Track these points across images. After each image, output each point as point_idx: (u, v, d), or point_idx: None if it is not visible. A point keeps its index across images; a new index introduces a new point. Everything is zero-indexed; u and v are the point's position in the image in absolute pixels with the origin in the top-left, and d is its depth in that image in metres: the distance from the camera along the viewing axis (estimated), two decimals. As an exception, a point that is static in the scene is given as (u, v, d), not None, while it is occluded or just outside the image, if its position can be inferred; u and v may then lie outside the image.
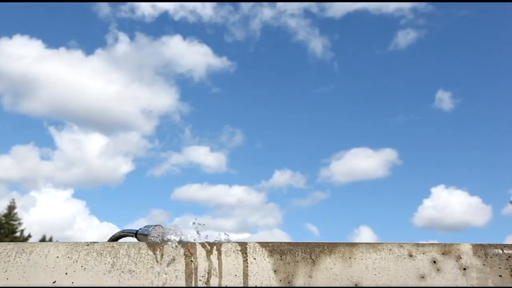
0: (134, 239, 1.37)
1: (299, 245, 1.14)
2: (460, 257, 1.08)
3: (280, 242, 1.16)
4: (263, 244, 1.15)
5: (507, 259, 1.07)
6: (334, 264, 1.10)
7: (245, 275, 1.11)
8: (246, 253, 1.13)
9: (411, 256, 1.09)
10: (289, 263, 1.11)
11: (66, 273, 1.17)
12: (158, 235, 1.27)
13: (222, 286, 1.11)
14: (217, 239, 1.20)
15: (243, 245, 1.15)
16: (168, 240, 1.22)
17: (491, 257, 1.08)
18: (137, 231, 1.40)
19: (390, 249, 1.11)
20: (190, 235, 1.24)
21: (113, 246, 1.19)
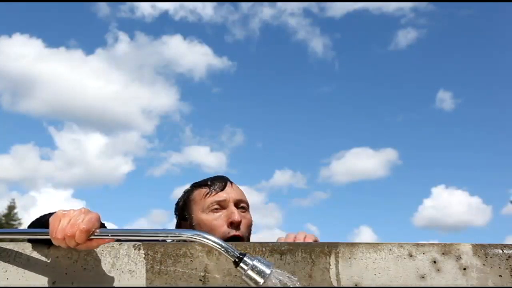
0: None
1: (299, 245, 1.14)
2: (460, 257, 1.08)
3: (280, 242, 1.16)
4: (263, 244, 1.15)
5: (507, 259, 1.07)
6: (334, 264, 1.09)
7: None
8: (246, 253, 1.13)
9: (411, 256, 1.09)
10: (289, 263, 1.11)
11: (66, 273, 1.17)
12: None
13: (222, 286, 1.11)
14: None
15: (243, 245, 1.15)
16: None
17: (491, 257, 1.08)
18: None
19: (390, 249, 1.11)
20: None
21: (113, 246, 1.19)
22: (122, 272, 1.15)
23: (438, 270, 1.07)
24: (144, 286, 1.13)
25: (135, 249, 1.18)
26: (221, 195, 1.61)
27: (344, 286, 1.08)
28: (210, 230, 1.51)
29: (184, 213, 1.67)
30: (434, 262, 1.08)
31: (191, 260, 1.14)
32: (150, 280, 1.13)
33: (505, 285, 1.05)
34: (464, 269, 1.07)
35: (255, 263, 1.02)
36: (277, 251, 1.12)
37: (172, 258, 1.15)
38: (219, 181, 1.66)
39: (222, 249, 1.04)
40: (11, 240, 1.23)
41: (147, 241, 1.15)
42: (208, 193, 1.62)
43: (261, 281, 1.00)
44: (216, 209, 1.58)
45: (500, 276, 1.06)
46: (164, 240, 1.19)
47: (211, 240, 1.04)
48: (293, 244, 1.15)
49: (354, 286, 1.07)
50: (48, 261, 1.19)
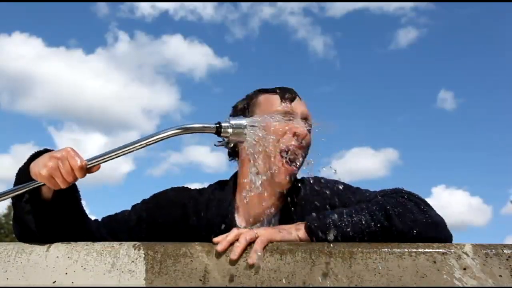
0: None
1: (299, 245, 1.14)
2: (460, 257, 1.08)
3: (280, 242, 1.16)
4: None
5: (507, 259, 1.07)
6: (334, 264, 1.09)
7: (245, 275, 1.11)
8: (246, 253, 1.13)
9: (411, 256, 1.09)
10: (289, 263, 1.11)
11: (66, 273, 1.17)
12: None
13: (222, 286, 1.11)
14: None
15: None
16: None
17: (491, 257, 1.08)
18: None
19: (390, 249, 1.10)
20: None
21: (113, 246, 1.19)
22: (122, 272, 1.15)
23: (438, 270, 1.07)
24: (144, 286, 1.13)
25: (135, 249, 1.18)
26: (293, 105, 1.46)
27: (344, 286, 1.08)
28: (272, 139, 1.38)
29: (248, 115, 1.48)
30: (434, 262, 1.08)
31: (191, 260, 1.14)
32: (150, 280, 1.13)
33: (505, 285, 1.05)
34: (464, 269, 1.07)
35: (232, 121, 1.17)
36: (277, 251, 1.12)
37: (172, 258, 1.15)
38: (289, 92, 1.50)
39: (200, 128, 1.17)
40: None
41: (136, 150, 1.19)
42: (281, 100, 1.46)
43: (244, 131, 1.16)
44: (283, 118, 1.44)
45: (500, 276, 1.06)
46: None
47: (188, 127, 1.16)
48: (293, 244, 1.15)
49: (354, 286, 1.07)
50: (48, 261, 1.19)
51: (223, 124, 1.16)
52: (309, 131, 1.47)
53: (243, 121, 1.17)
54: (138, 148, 1.16)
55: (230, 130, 1.16)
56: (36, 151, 1.29)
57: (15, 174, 1.29)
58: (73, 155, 1.17)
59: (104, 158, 1.18)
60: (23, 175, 1.24)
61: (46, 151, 1.28)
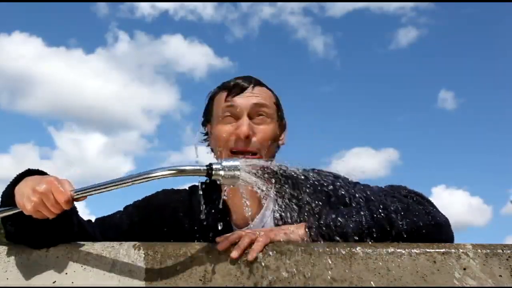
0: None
1: (299, 245, 1.14)
2: (460, 257, 1.08)
3: (280, 242, 1.16)
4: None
5: (507, 259, 1.07)
6: (334, 264, 1.09)
7: (245, 275, 1.11)
8: (246, 253, 1.13)
9: (411, 256, 1.09)
10: (289, 263, 1.11)
11: (66, 273, 1.17)
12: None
13: (222, 286, 1.11)
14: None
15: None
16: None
17: (491, 257, 1.08)
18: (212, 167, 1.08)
19: (390, 249, 1.10)
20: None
21: (113, 246, 1.19)
22: (122, 272, 1.15)
23: (438, 270, 1.07)
24: (144, 286, 1.13)
25: (135, 249, 1.18)
26: (236, 101, 1.34)
27: (344, 286, 1.08)
28: (218, 143, 1.35)
29: (208, 117, 1.44)
30: (434, 262, 1.08)
31: (191, 260, 1.14)
32: (150, 280, 1.13)
33: (505, 285, 1.05)
34: (464, 269, 1.07)
35: (224, 163, 1.08)
36: (277, 251, 1.12)
37: (172, 258, 1.15)
38: (241, 83, 1.36)
39: (192, 171, 1.09)
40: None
41: (123, 187, 1.12)
42: (226, 97, 1.36)
43: (237, 173, 1.07)
44: (228, 117, 1.35)
45: (500, 276, 1.06)
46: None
47: (181, 170, 1.08)
48: (293, 244, 1.14)
49: (354, 286, 1.07)
50: (48, 261, 1.19)
51: (214, 166, 1.07)
52: (265, 118, 1.35)
53: (236, 163, 1.08)
54: (128, 185, 1.11)
55: (221, 173, 1.07)
56: (18, 174, 1.22)
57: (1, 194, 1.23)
58: (58, 187, 1.09)
59: (92, 190, 1.13)
60: (9, 197, 1.18)
61: (29, 172, 1.22)
